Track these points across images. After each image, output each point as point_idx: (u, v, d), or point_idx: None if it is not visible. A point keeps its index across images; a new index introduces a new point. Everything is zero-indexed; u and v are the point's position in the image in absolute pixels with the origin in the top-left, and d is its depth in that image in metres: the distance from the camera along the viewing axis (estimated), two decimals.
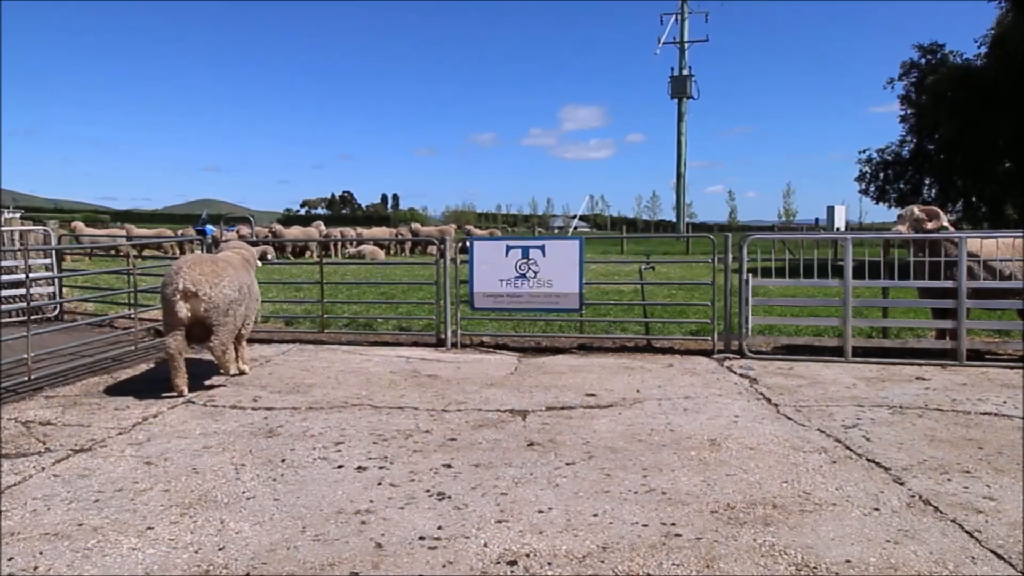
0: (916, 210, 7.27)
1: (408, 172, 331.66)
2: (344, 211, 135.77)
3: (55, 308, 9.61)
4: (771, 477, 3.81)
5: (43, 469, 3.94)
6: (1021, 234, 6.82)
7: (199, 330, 5.64)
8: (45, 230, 10.16)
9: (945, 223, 7.19)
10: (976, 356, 6.91)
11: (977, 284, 6.80)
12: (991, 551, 2.96)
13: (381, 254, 24.66)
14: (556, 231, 75.14)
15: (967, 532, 3.14)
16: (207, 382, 6.08)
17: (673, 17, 48.40)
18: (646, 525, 3.22)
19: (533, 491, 3.63)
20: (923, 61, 27.70)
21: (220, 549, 2.99)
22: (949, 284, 6.81)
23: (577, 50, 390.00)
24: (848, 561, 2.87)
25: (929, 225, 7.09)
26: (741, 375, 6.39)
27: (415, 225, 38.16)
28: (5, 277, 8.82)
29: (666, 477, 3.83)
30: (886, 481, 3.76)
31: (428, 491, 3.64)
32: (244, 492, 3.61)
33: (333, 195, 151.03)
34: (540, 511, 3.38)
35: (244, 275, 6.10)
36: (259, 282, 13.29)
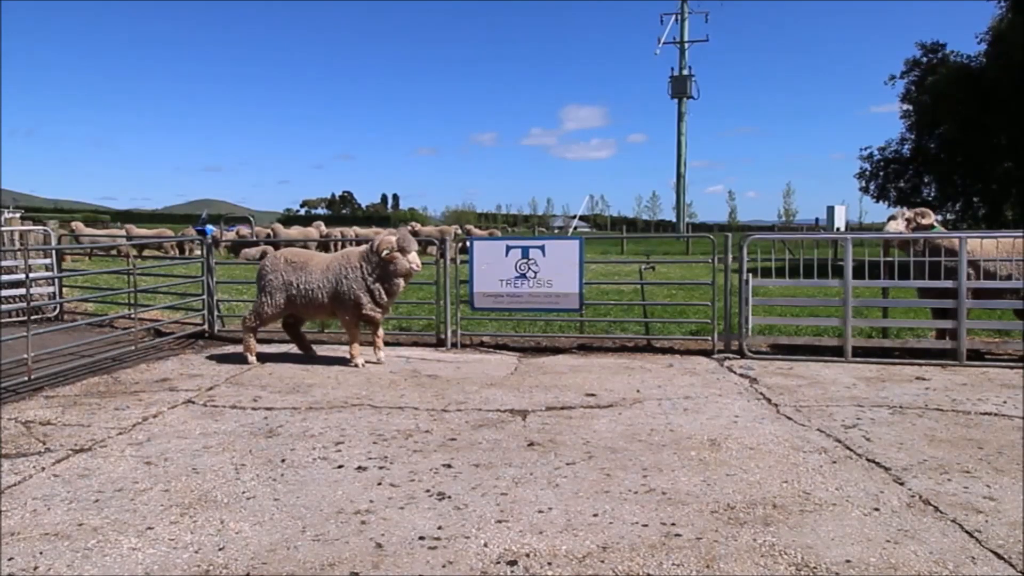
0: (907, 211, 7.34)
1: (408, 172, 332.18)
2: (344, 211, 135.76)
3: (55, 308, 9.61)
4: (771, 477, 3.81)
5: (43, 469, 3.94)
6: (1021, 234, 6.82)
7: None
8: (45, 230, 10.16)
9: (934, 221, 7.20)
10: (976, 356, 6.91)
11: (977, 284, 6.80)
12: (991, 551, 2.96)
13: None
14: (556, 231, 75.12)
15: (967, 532, 3.14)
16: (207, 382, 6.08)
17: (673, 17, 48.36)
18: (646, 525, 3.22)
19: (533, 491, 3.63)
20: (925, 60, 27.71)
21: (220, 549, 2.99)
22: (949, 284, 6.81)
23: (578, 50, 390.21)
24: (848, 561, 2.87)
25: (923, 221, 7.10)
26: (741, 375, 6.39)
27: (415, 225, 38.10)
28: (5, 277, 8.82)
29: (666, 477, 3.83)
30: (886, 481, 3.76)
31: (428, 491, 3.64)
32: (244, 492, 3.61)
33: (333, 195, 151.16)
34: (540, 511, 3.38)
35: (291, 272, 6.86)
36: None
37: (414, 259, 6.62)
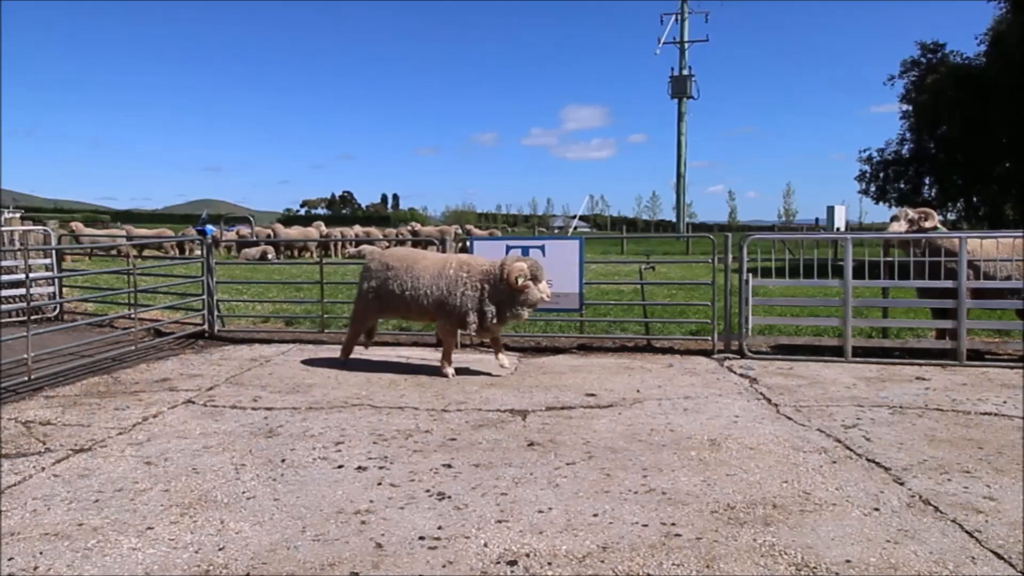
0: (910, 211, 7.31)
1: (408, 172, 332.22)
2: (344, 211, 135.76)
3: (55, 308, 9.62)
4: (771, 477, 3.81)
5: (43, 469, 3.94)
6: (1021, 234, 6.82)
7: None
8: (45, 230, 10.16)
9: (937, 223, 7.19)
10: (976, 356, 6.91)
11: (977, 284, 6.80)
12: (991, 551, 2.96)
13: None
14: (556, 231, 75.12)
15: (967, 532, 3.14)
16: (207, 382, 6.08)
17: (673, 17, 48.27)
18: (646, 525, 3.22)
19: (533, 491, 3.63)
20: (924, 60, 27.71)
21: (220, 549, 2.99)
22: (949, 284, 6.81)
23: (578, 50, 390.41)
24: (848, 561, 2.87)
25: (926, 224, 7.09)
26: (741, 375, 6.39)
27: (415, 225, 38.11)
28: (5, 277, 8.82)
29: (666, 477, 3.83)
30: (886, 481, 3.76)
31: (428, 491, 3.64)
32: (244, 492, 3.61)
33: (333, 195, 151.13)
34: (540, 511, 3.38)
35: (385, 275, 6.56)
36: (259, 282, 13.23)
37: (545, 288, 6.19)
